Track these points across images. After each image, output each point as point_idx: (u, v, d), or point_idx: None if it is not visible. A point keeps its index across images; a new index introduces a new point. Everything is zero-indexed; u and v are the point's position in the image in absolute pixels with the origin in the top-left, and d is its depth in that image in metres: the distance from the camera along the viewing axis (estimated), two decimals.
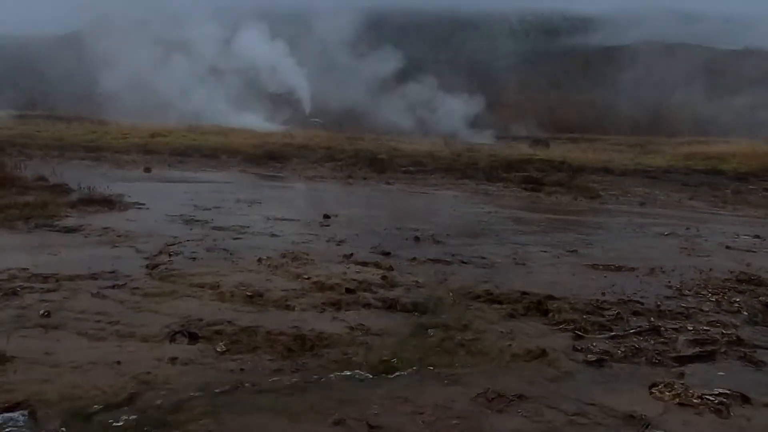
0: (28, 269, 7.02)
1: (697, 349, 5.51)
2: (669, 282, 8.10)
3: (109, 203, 12.04)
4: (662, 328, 6.03)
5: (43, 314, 5.62)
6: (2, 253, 7.80)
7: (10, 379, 4.35)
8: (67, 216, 10.72)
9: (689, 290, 7.69)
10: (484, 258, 9.10)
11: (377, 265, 8.14)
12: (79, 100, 54.59)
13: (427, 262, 8.59)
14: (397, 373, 4.80)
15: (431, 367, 4.94)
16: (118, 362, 4.69)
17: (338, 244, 9.58)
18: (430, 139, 43.00)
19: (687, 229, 13.10)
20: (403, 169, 25.48)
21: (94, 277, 6.94)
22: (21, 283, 6.51)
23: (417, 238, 10.32)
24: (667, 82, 69.94)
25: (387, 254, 8.90)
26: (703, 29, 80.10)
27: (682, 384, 4.74)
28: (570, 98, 71.26)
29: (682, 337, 5.80)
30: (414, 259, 8.76)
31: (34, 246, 8.41)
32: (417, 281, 7.51)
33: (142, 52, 52.04)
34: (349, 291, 6.81)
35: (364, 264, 8.21)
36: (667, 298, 7.29)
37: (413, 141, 39.68)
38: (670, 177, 26.86)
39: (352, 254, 8.72)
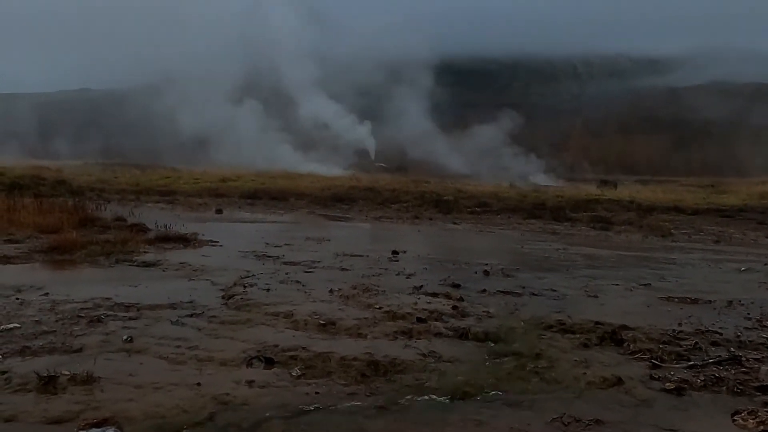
0: (111, 299, 7.37)
1: None
2: (748, 314, 7.87)
3: (184, 240, 12.46)
4: (743, 358, 5.87)
5: (126, 339, 5.86)
6: (86, 285, 8.17)
7: (98, 397, 4.56)
8: (145, 252, 11.16)
9: None
10: (554, 290, 9.02)
11: (447, 296, 8.18)
12: (153, 148, 56.58)
13: (497, 294, 8.57)
14: (471, 398, 4.80)
15: (505, 393, 4.92)
16: (198, 384, 4.85)
17: (408, 277, 9.65)
18: (494, 181, 42.82)
19: (765, 264, 12.69)
20: (469, 209, 25.35)
21: (173, 306, 7.21)
22: (105, 312, 6.83)
23: (486, 272, 10.29)
24: (738, 122, 68.27)
25: (457, 286, 8.93)
26: None
27: (767, 411, 4.61)
28: (637, 140, 70.13)
29: (764, 367, 5.63)
30: (484, 290, 8.75)
31: (116, 279, 8.78)
32: (488, 311, 7.50)
33: (212, 103, 53.83)
34: (420, 320, 6.85)
35: (434, 295, 8.25)
36: (747, 329, 7.09)
37: (477, 183, 39.64)
38: (744, 216, 25.93)
39: (422, 286, 8.79)
